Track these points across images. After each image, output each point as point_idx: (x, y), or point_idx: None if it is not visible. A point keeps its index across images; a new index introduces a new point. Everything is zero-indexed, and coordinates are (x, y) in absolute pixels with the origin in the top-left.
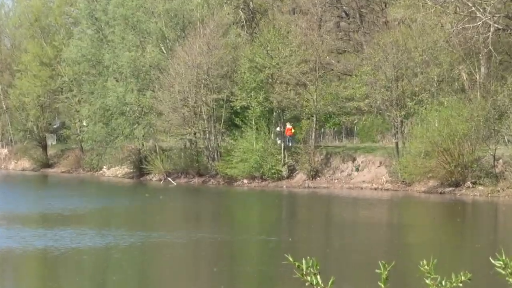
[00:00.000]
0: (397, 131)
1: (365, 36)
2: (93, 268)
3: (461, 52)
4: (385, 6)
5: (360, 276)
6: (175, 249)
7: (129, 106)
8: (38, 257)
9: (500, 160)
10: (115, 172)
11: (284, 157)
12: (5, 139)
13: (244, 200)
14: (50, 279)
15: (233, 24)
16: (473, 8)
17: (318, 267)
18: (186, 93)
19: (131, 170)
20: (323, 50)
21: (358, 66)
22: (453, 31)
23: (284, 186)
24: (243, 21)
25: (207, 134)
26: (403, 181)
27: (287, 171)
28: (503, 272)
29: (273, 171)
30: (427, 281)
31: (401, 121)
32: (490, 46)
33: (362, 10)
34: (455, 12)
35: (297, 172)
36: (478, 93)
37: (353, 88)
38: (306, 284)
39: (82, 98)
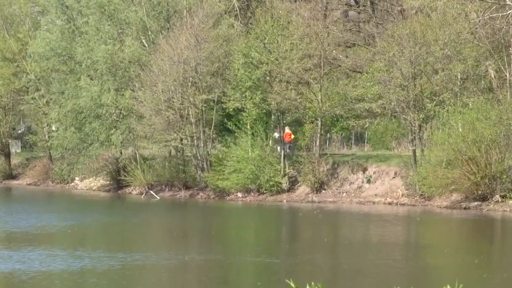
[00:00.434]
0: (414, 137)
1: (377, 27)
2: None
3: (488, 46)
4: None
5: None
6: (161, 273)
7: (105, 108)
8: (3, 283)
9: None
10: (89, 184)
11: (284, 167)
12: None
13: (238, 217)
14: None
15: (225, 13)
16: None
17: None
18: (171, 93)
19: (108, 182)
20: (329, 44)
21: (369, 62)
22: (479, 21)
23: (284, 201)
24: (236, 10)
25: (195, 141)
26: (422, 195)
27: (287, 183)
28: None
29: (271, 183)
30: None
31: (419, 125)
32: None
33: None
34: None
35: (299, 184)
36: (508, 93)
37: (363, 87)
38: None
39: (51, 99)
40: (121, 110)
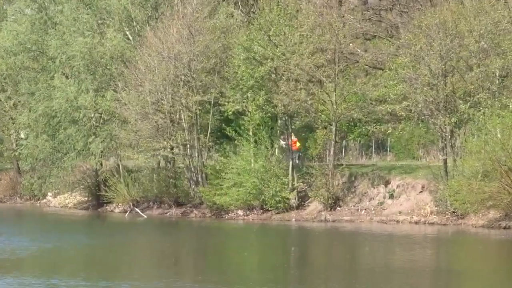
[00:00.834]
0: (445, 144)
1: (401, 16)
2: None
3: None
4: None
5: None
6: None
7: (83, 112)
8: None
9: None
10: (64, 201)
11: (293, 180)
12: None
13: (239, 238)
14: None
15: (223, 0)
16: None
17: None
18: (160, 93)
19: (86, 199)
20: (344, 35)
21: (392, 57)
22: None
23: (293, 219)
24: None
25: (188, 149)
26: (454, 212)
27: (296, 198)
28: None
29: (277, 198)
30: None
31: (451, 131)
32: None
33: None
34: None
35: (310, 200)
36: None
37: (385, 87)
38: None
39: (19, 101)
40: (101, 114)
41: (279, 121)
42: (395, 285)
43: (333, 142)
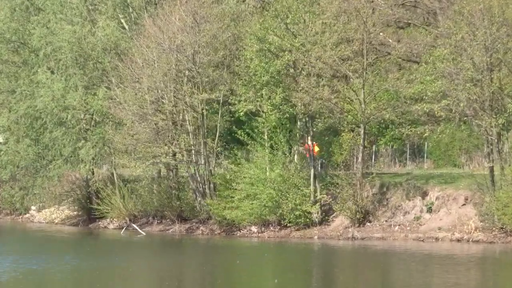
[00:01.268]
0: (491, 150)
1: (440, 2)
2: None
3: None
4: None
5: None
6: None
7: (71, 112)
8: None
9: None
10: (50, 215)
11: (315, 191)
12: None
13: (252, 259)
14: None
15: None
16: None
17: None
18: (160, 91)
19: (75, 213)
20: (374, 24)
21: (429, 48)
22: None
23: (316, 237)
24: None
25: (193, 156)
26: (502, 228)
27: (319, 213)
28: None
29: (297, 213)
30: None
31: (498, 134)
32: None
33: None
34: None
35: (335, 214)
36: None
37: (422, 83)
38: None
39: None
40: (92, 114)
41: (298, 123)
42: None
43: (361, 147)
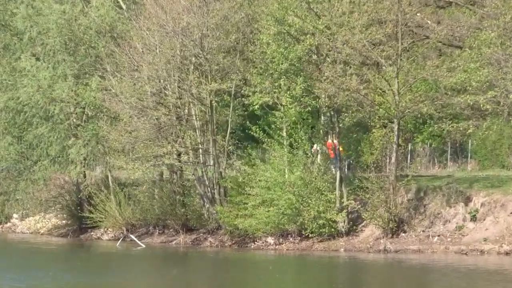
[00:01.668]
0: None
1: None
2: None
3: None
4: None
5: None
6: None
7: (59, 105)
8: None
9: None
10: (35, 225)
11: (341, 196)
12: None
13: (269, 275)
14: None
15: None
16: None
17: None
18: (162, 81)
19: (64, 222)
20: (410, 2)
21: (474, 31)
22: None
23: (342, 249)
24: None
25: (200, 156)
26: None
27: (346, 221)
28: None
29: (321, 222)
30: None
31: None
32: None
33: None
34: None
35: (364, 223)
36: None
37: (465, 71)
38: None
39: None
40: (84, 108)
41: (322, 117)
42: None
43: (395, 146)
